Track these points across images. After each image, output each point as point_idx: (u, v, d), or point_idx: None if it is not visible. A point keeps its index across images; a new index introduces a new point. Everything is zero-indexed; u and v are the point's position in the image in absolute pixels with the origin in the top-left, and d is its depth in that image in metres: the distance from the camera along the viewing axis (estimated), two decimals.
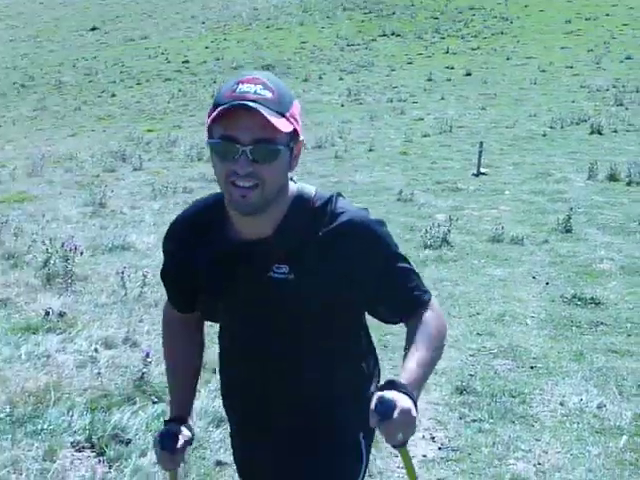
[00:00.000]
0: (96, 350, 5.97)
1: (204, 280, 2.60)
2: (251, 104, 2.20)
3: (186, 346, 2.86)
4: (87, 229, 10.87)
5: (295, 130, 2.34)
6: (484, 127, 20.77)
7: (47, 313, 6.82)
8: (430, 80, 31.29)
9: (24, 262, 8.77)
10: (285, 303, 2.48)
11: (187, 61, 40.92)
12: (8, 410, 5.19)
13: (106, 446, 4.67)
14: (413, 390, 2.28)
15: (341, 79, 33.20)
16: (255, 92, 2.25)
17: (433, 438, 5.05)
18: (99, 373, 5.63)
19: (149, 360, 5.56)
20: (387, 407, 2.18)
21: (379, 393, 2.21)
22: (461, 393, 5.67)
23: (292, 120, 2.32)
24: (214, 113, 2.25)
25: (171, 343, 2.93)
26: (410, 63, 36.75)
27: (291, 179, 2.53)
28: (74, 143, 21.21)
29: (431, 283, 8.11)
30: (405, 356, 2.45)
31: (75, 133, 23.98)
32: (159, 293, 7.75)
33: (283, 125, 2.25)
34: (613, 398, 5.56)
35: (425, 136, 19.83)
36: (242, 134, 2.25)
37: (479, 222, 10.98)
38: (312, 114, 24.36)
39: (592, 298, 7.59)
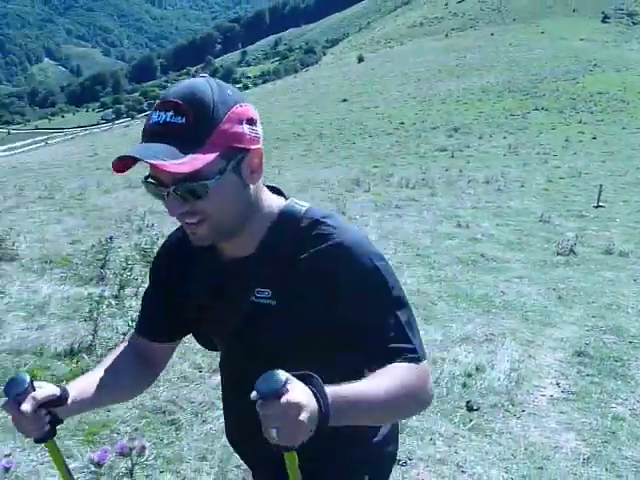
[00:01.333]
0: None
1: (191, 299, 1.66)
2: (140, 155, 1.30)
3: (125, 368, 1.66)
4: None
5: (233, 147, 1.37)
6: (603, 174, 19.71)
7: None
8: (567, 141, 30.00)
9: None
10: (268, 329, 1.54)
11: (403, 122, 40.79)
12: None
13: None
14: (332, 406, 1.24)
15: (504, 137, 32.27)
16: (164, 122, 1.33)
17: (558, 384, 4.83)
18: None
19: None
20: (272, 386, 1.17)
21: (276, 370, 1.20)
22: (579, 355, 5.40)
23: (222, 140, 1.35)
24: (116, 159, 1.35)
25: (119, 355, 1.69)
26: (553, 129, 35.36)
27: (281, 194, 1.61)
28: (328, 173, 21.53)
29: (560, 280, 7.80)
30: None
31: (329, 166, 24.32)
32: None
33: (192, 162, 1.30)
34: None
35: (561, 178, 19.03)
36: (161, 174, 1.36)
37: (597, 239, 10.41)
38: (485, 160, 23.88)
39: None
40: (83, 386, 1.52)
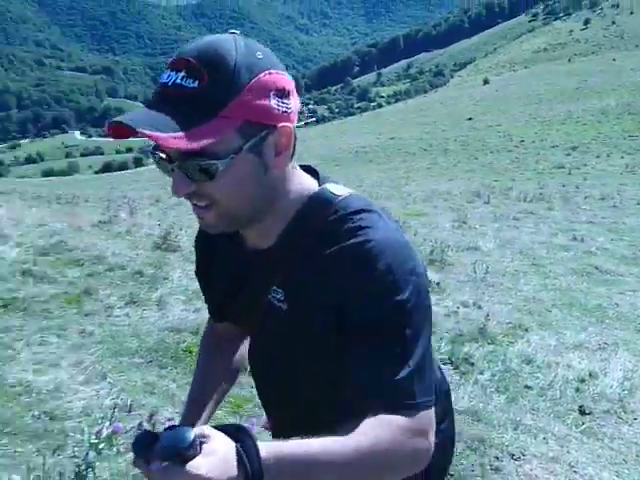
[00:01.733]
0: (458, 307, 5.89)
1: (217, 286, 1.36)
2: (132, 122, 0.95)
3: (216, 361, 1.48)
4: (454, 236, 10.78)
5: (255, 122, 1.02)
6: None
7: (430, 282, 6.84)
8: None
9: (417, 250, 8.81)
10: (278, 334, 1.21)
11: (523, 140, 39.59)
12: None
13: (459, 364, 4.60)
14: (270, 468, 0.90)
15: (622, 157, 30.62)
16: (173, 84, 0.99)
17: None
18: (457, 322, 5.56)
19: (489, 318, 5.41)
20: (174, 443, 0.88)
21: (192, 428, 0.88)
22: None
23: (241, 112, 1.00)
24: (108, 125, 1.00)
25: (203, 353, 1.53)
26: None
27: (315, 174, 1.22)
28: (450, 185, 21.23)
29: None
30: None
31: (452, 179, 24.01)
32: (496, 278, 7.57)
33: (197, 137, 0.96)
34: None
35: None
36: (165, 147, 1.03)
37: None
38: (601, 178, 22.77)
39: None
40: (195, 415, 1.40)
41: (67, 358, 4.21)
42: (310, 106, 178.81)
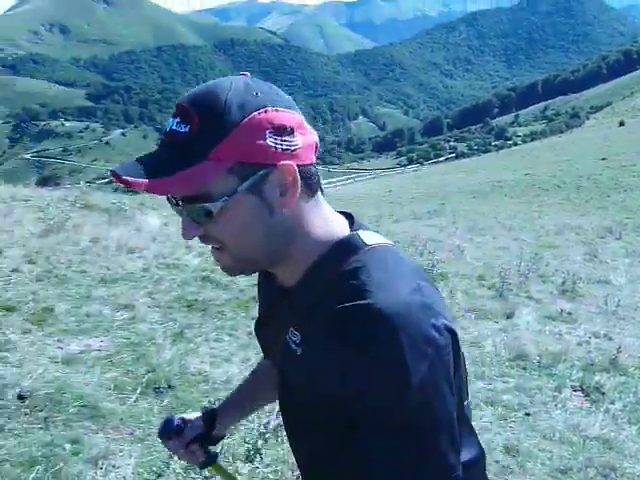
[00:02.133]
0: (589, 337, 5.47)
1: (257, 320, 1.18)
2: (121, 170, 0.87)
3: (263, 375, 1.36)
4: (585, 268, 10.12)
5: (249, 163, 0.89)
6: None
7: (562, 311, 6.47)
8: None
9: (548, 280, 8.38)
10: (290, 376, 1.02)
11: None
12: (537, 359, 4.84)
13: (590, 392, 4.28)
14: None
15: None
16: (170, 130, 0.90)
17: None
18: (589, 351, 5.17)
19: (620, 349, 4.98)
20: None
21: None
22: None
23: (230, 153, 0.88)
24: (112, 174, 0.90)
25: (256, 369, 1.45)
26: None
27: (350, 218, 1.04)
28: (582, 220, 20.01)
29: None
30: None
31: (583, 214, 22.63)
32: (627, 312, 7.01)
33: (180, 181, 0.86)
34: None
35: None
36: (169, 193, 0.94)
37: None
38: None
39: None
40: (236, 404, 1.40)
41: (237, 355, 4.41)
42: (451, 143, 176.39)
